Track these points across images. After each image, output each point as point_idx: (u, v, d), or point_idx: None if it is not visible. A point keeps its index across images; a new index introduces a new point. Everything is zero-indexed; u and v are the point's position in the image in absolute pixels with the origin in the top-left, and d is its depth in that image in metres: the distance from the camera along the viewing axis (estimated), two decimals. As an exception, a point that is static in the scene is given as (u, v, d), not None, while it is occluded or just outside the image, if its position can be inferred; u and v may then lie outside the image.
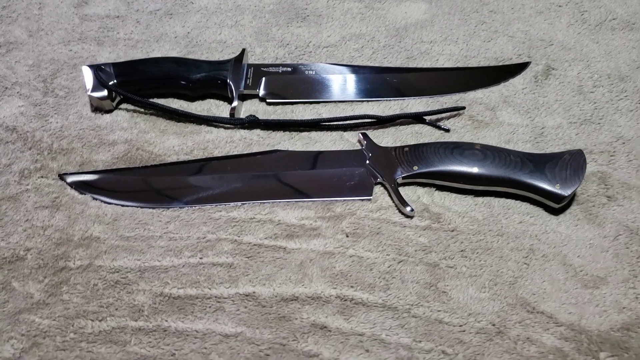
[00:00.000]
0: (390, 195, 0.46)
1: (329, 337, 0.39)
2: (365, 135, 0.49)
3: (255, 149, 0.50)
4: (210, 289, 0.41)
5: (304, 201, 0.46)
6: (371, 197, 0.46)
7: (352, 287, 0.41)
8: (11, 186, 0.48)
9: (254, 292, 0.41)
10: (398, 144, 0.50)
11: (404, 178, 0.46)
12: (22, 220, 0.46)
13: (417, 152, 0.46)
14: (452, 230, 0.44)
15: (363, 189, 0.46)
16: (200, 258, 0.43)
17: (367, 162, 0.47)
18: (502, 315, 0.40)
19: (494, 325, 0.39)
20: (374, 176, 0.47)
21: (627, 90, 0.53)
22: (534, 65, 0.56)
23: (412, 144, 0.48)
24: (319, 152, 0.49)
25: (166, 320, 0.40)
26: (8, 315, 0.41)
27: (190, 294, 0.41)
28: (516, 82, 0.55)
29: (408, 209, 0.45)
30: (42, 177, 0.49)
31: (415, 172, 0.46)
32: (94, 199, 0.47)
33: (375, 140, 0.49)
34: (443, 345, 0.38)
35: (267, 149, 0.50)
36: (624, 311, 0.39)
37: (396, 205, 0.46)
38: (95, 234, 0.45)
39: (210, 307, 0.40)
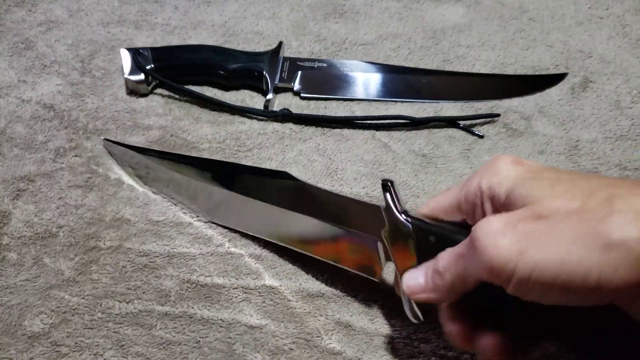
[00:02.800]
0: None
1: (353, 336, 0.39)
2: (388, 188, 0.34)
3: (287, 143, 0.50)
4: (237, 279, 0.42)
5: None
6: (377, 280, 0.37)
7: (374, 291, 0.41)
8: (46, 163, 0.49)
9: (279, 286, 0.42)
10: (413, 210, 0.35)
11: None
12: (56, 198, 0.47)
13: (444, 247, 0.30)
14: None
15: (368, 269, 0.37)
16: (229, 247, 0.44)
17: (382, 233, 0.35)
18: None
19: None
20: (387, 254, 0.36)
21: (665, 108, 0.52)
22: (572, 76, 0.55)
23: (440, 227, 0.32)
24: (332, 196, 0.39)
25: (192, 307, 0.41)
26: (39, 290, 0.41)
27: (217, 282, 0.42)
28: (552, 93, 0.54)
29: (415, 320, 0.34)
30: (76, 156, 0.50)
31: None
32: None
33: (401, 147, 0.48)
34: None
35: (299, 143, 0.50)
36: None
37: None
38: (126, 216, 0.46)
39: (236, 297, 0.41)
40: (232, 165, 0.47)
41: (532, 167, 0.28)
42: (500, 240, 0.24)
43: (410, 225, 0.33)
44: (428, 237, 0.32)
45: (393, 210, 0.34)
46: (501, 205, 0.28)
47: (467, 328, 0.31)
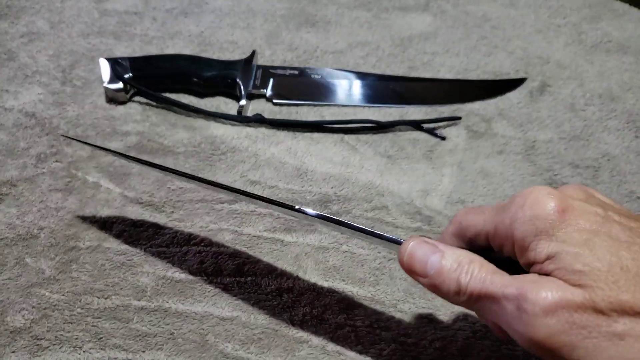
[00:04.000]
0: None
1: (320, 325, 0.41)
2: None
3: (260, 146, 0.53)
4: (210, 274, 0.44)
5: (303, 199, 0.47)
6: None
7: (343, 280, 0.44)
8: (28, 169, 0.51)
9: (251, 280, 0.44)
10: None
11: None
12: (37, 201, 0.49)
13: None
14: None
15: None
16: (203, 246, 0.46)
17: None
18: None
19: (474, 324, 0.42)
20: None
21: (616, 110, 0.56)
22: (530, 81, 0.59)
23: None
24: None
25: (167, 302, 0.43)
26: (21, 288, 0.43)
27: (191, 278, 0.44)
28: (512, 97, 0.57)
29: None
30: (57, 161, 0.52)
31: None
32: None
33: (368, 149, 0.51)
34: (429, 340, 0.41)
35: (271, 146, 0.53)
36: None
37: None
38: (103, 218, 0.48)
39: (209, 291, 0.43)
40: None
41: (582, 226, 0.23)
42: (546, 321, 0.22)
43: None
44: None
45: None
46: (542, 267, 0.24)
47: None
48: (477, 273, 0.25)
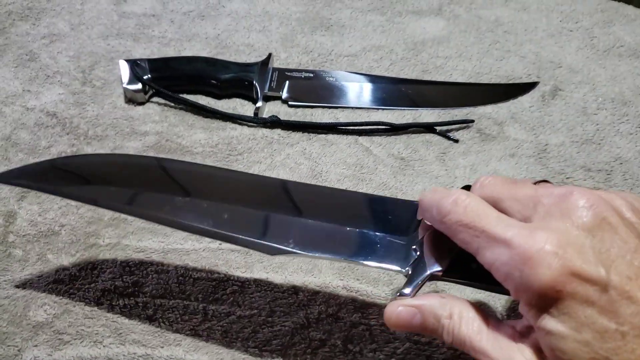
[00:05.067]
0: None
1: (336, 324, 0.42)
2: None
3: (275, 147, 0.54)
4: (227, 272, 0.45)
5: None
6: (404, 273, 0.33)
7: (357, 280, 0.45)
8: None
9: (267, 278, 0.45)
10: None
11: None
12: (58, 199, 0.50)
13: None
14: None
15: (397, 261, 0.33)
16: (220, 244, 0.47)
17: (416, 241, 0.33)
18: (502, 313, 0.43)
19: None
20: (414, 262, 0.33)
21: (628, 114, 0.56)
22: (542, 85, 0.59)
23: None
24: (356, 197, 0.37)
25: (186, 299, 0.44)
26: (43, 284, 0.44)
27: (209, 276, 0.45)
28: (524, 100, 0.58)
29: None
30: (77, 160, 0.53)
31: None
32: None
33: (382, 151, 0.52)
34: (437, 341, 0.41)
35: (287, 147, 0.54)
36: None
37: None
38: (123, 216, 0.49)
39: (226, 289, 0.44)
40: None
41: (576, 308, 0.22)
42: None
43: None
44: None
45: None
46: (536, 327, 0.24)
47: None
48: (457, 333, 0.26)
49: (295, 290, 0.44)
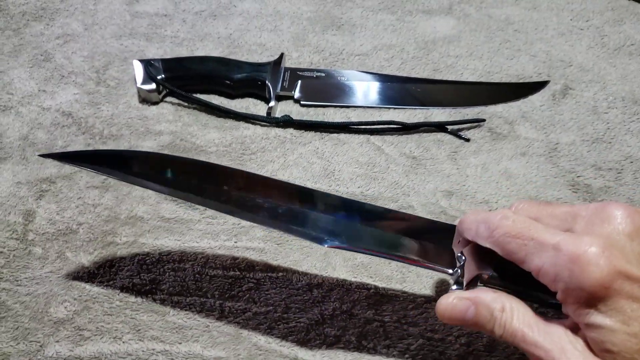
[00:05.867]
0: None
1: (351, 320, 0.43)
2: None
3: (288, 146, 0.54)
4: (243, 270, 0.46)
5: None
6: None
7: (371, 277, 0.45)
8: (66, 166, 0.53)
9: (282, 275, 0.45)
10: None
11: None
12: (75, 198, 0.51)
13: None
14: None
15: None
16: (235, 242, 0.48)
17: (459, 255, 0.35)
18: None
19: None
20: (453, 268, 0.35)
21: (639, 113, 0.56)
22: (553, 84, 0.59)
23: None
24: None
25: (202, 296, 0.45)
26: (62, 281, 0.45)
27: (225, 273, 0.46)
28: (535, 99, 0.58)
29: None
30: (93, 159, 0.54)
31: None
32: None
33: (394, 150, 0.52)
34: (455, 336, 0.42)
35: (299, 147, 0.54)
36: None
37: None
38: (139, 214, 0.50)
39: (242, 286, 0.45)
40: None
41: (623, 303, 0.24)
42: None
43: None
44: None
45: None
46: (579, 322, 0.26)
47: None
48: (509, 326, 0.27)
49: (310, 287, 0.45)
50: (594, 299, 0.24)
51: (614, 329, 0.23)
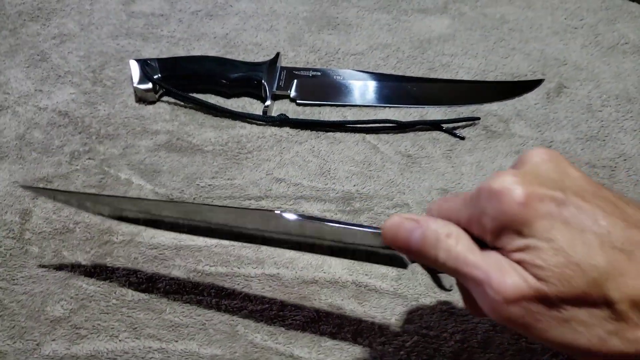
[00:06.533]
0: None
1: (345, 318, 0.43)
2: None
3: (284, 145, 0.55)
4: (239, 268, 0.46)
5: (326, 197, 0.47)
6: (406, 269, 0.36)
7: (366, 275, 0.46)
8: (63, 166, 0.53)
9: (278, 274, 0.46)
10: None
11: None
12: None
13: None
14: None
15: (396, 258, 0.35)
16: (231, 241, 0.48)
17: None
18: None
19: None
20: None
21: (633, 111, 0.57)
22: (547, 82, 0.60)
23: None
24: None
25: (199, 294, 0.45)
26: (59, 280, 0.46)
27: (221, 271, 0.46)
28: (529, 98, 0.59)
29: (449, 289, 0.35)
30: (89, 158, 0.54)
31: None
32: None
33: (389, 148, 0.53)
34: (449, 332, 0.42)
35: (295, 145, 0.55)
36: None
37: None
38: (136, 213, 0.50)
39: (239, 284, 0.45)
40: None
41: (543, 218, 0.25)
42: (505, 307, 0.25)
43: None
44: None
45: None
46: (508, 250, 0.26)
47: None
48: (453, 250, 0.27)
49: (305, 284, 0.45)
50: (517, 224, 0.25)
51: (540, 247, 0.24)
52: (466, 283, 0.27)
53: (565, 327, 0.24)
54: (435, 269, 0.31)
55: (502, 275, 0.25)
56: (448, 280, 0.34)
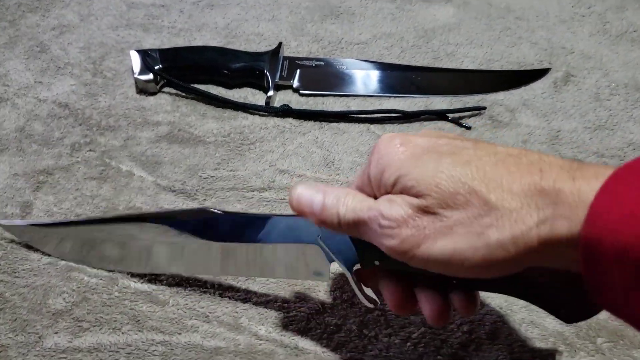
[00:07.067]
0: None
1: (352, 309, 0.43)
2: None
3: (287, 136, 0.54)
4: (242, 260, 0.45)
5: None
6: (326, 282, 0.40)
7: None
8: (63, 157, 0.52)
9: (282, 266, 0.45)
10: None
11: (363, 267, 0.34)
12: (73, 189, 0.50)
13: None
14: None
15: (316, 271, 0.38)
16: (234, 232, 0.47)
17: (318, 237, 0.35)
18: (509, 300, 0.43)
19: (501, 308, 0.43)
20: (328, 256, 0.36)
21: (642, 99, 0.56)
22: (554, 71, 0.59)
23: None
24: (262, 219, 0.38)
25: (201, 286, 0.44)
26: (61, 273, 0.45)
27: (224, 263, 0.45)
28: (536, 87, 0.58)
29: (371, 305, 0.36)
30: (90, 150, 0.53)
31: (376, 266, 0.33)
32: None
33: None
34: (457, 324, 0.42)
35: (299, 136, 0.54)
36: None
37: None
38: (138, 205, 0.49)
39: (241, 278, 0.44)
40: (145, 216, 0.43)
41: (414, 150, 0.29)
42: (398, 231, 0.27)
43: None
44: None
45: None
46: (393, 191, 0.29)
47: (401, 292, 0.34)
48: (351, 204, 0.30)
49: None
50: (386, 165, 0.29)
51: (408, 173, 0.28)
52: (366, 232, 0.30)
53: (448, 235, 0.26)
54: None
55: (391, 206, 0.28)
56: (372, 295, 0.36)
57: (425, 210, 0.27)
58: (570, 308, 0.32)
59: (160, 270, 0.44)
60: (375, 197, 0.31)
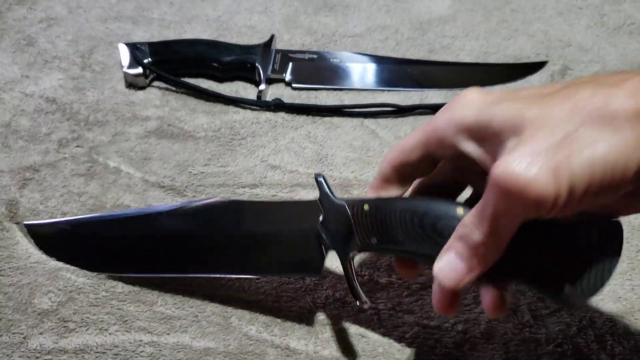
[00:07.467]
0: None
1: (344, 309, 0.42)
2: (320, 182, 0.36)
3: (279, 131, 0.53)
4: (233, 258, 0.44)
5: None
6: (319, 275, 0.40)
7: (365, 264, 0.44)
8: (50, 154, 0.51)
9: (273, 264, 0.44)
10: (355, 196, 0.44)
11: (360, 251, 0.36)
12: (60, 186, 0.49)
13: (378, 217, 0.33)
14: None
15: (311, 265, 0.38)
16: (225, 230, 0.46)
17: (320, 223, 0.36)
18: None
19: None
20: (325, 244, 0.37)
21: (640, 93, 0.55)
22: (551, 64, 0.58)
23: (373, 198, 0.34)
24: (265, 205, 0.39)
25: (190, 285, 0.43)
26: (47, 272, 0.44)
27: (214, 262, 0.44)
28: (533, 80, 0.57)
29: (363, 304, 0.36)
30: (78, 146, 0.52)
31: (373, 245, 0.34)
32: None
33: (388, 133, 0.51)
34: (451, 323, 0.41)
35: (291, 131, 0.53)
36: (619, 300, 0.42)
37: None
38: (126, 203, 0.48)
39: (231, 277, 0.43)
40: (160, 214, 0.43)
41: (501, 94, 0.29)
42: (534, 173, 0.24)
43: (344, 203, 0.35)
44: (362, 207, 0.34)
45: (327, 190, 0.36)
46: (478, 135, 0.28)
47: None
48: (470, 221, 0.28)
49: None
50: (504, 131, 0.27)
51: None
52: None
53: (585, 150, 0.24)
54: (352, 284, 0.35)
55: (507, 160, 0.26)
56: (363, 295, 0.36)
57: (545, 137, 0.25)
58: (578, 280, 0.29)
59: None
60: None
